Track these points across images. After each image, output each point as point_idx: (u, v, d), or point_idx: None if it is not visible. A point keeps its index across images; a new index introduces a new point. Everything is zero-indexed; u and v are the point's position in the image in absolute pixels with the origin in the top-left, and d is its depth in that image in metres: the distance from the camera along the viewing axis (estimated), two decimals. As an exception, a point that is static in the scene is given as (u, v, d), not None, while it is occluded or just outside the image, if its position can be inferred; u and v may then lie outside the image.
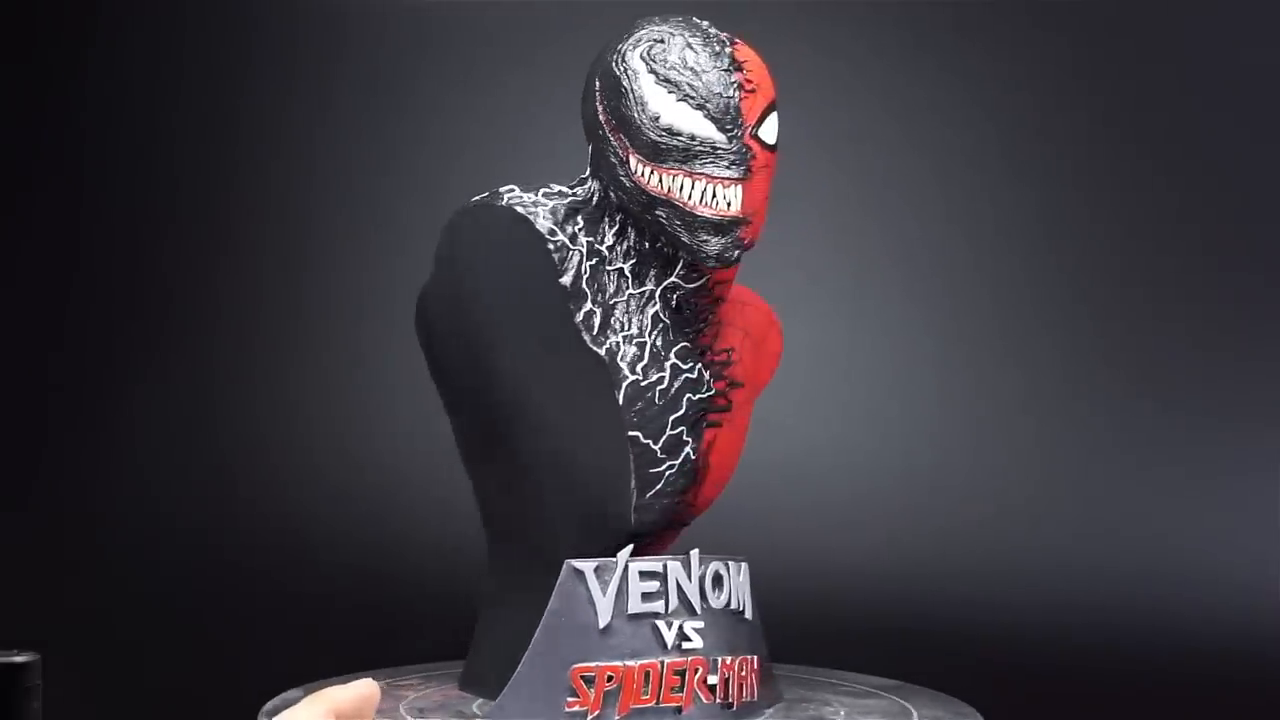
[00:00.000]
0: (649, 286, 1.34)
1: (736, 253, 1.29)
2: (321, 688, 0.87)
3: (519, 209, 1.34)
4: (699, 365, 1.35)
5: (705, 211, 1.28)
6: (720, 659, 1.30)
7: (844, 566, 2.25)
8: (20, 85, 2.70)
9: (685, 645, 1.29)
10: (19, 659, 1.03)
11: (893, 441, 2.36)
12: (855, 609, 2.19)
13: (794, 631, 1.50)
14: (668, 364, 1.34)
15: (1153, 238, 2.37)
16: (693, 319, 1.35)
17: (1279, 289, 2.34)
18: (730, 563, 1.33)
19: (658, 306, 1.34)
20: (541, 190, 1.36)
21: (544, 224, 1.33)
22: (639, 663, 1.27)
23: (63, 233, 2.68)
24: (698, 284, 1.33)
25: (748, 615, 1.33)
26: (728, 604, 1.32)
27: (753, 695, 1.32)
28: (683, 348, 1.35)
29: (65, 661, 1.32)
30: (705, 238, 1.28)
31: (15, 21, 2.70)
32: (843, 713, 1.39)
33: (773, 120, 1.29)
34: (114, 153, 2.68)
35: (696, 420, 1.35)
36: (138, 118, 2.69)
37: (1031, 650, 2.12)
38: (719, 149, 1.27)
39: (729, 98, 1.27)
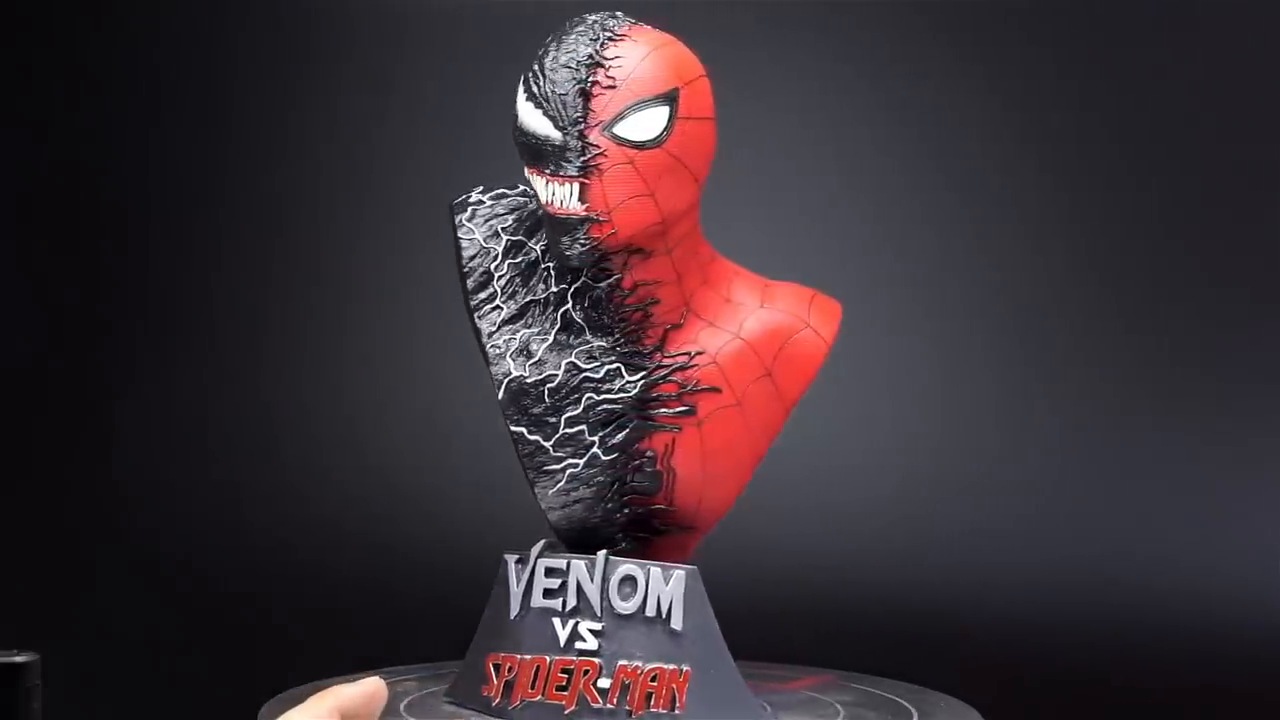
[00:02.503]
0: (563, 286, 1.36)
1: (578, 250, 1.29)
2: (326, 686, 0.87)
3: (458, 210, 1.41)
4: (616, 365, 1.35)
5: (551, 210, 1.29)
6: (620, 664, 1.30)
7: (842, 566, 2.25)
8: (21, 83, 2.69)
9: (578, 645, 1.31)
10: (19, 659, 1.03)
11: (891, 441, 2.36)
12: (854, 609, 2.19)
13: (793, 631, 1.50)
14: (564, 362, 1.35)
15: (1151, 237, 2.36)
16: (614, 320, 1.35)
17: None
18: (656, 569, 1.32)
19: (569, 305, 1.35)
20: (495, 192, 1.41)
21: (467, 224, 1.39)
22: (531, 657, 1.32)
23: (66, 231, 2.68)
24: (606, 283, 1.34)
25: (675, 625, 1.31)
26: (642, 610, 1.31)
27: (670, 707, 1.30)
28: (595, 348, 1.35)
29: (65, 661, 1.32)
30: (555, 236, 1.30)
31: (16, 20, 2.69)
32: (842, 712, 1.39)
33: (644, 116, 1.28)
34: (118, 149, 2.68)
35: (608, 421, 1.35)
36: (143, 114, 2.68)
37: (1031, 650, 2.11)
38: (555, 146, 1.28)
39: (563, 94, 1.27)
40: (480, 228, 1.39)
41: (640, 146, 1.28)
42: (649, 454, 1.36)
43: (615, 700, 1.30)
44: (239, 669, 1.90)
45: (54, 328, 2.64)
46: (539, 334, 1.36)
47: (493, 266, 1.38)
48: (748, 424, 1.37)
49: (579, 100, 1.27)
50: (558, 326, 1.36)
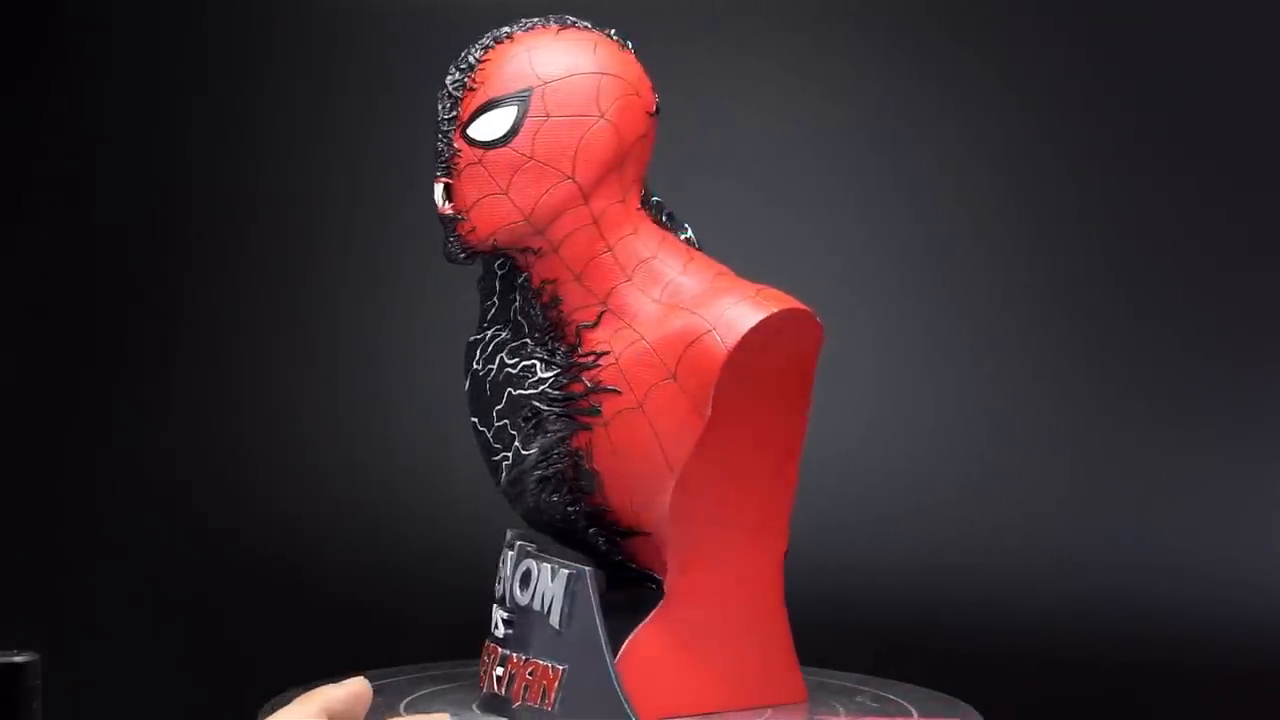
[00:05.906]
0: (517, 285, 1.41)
1: (449, 248, 1.35)
2: (316, 687, 0.87)
3: None
4: (532, 363, 1.37)
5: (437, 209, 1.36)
6: (511, 654, 1.37)
7: (842, 565, 2.25)
8: (21, 81, 2.70)
9: (495, 632, 1.39)
10: (19, 659, 1.03)
11: (890, 440, 2.35)
12: (854, 608, 2.19)
13: (793, 631, 1.50)
14: (498, 358, 1.39)
15: (1150, 236, 2.36)
16: (539, 318, 1.38)
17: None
18: (549, 565, 1.35)
19: (517, 303, 1.40)
20: None
21: None
22: (483, 639, 1.41)
23: (67, 231, 2.68)
24: (519, 282, 1.38)
25: (553, 622, 1.34)
26: (533, 604, 1.36)
27: (539, 703, 1.34)
28: (518, 345, 1.39)
29: (65, 661, 1.33)
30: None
31: (17, 19, 2.70)
32: (842, 713, 1.39)
33: (492, 116, 1.33)
34: (119, 149, 2.69)
35: (530, 416, 1.36)
36: (145, 114, 2.69)
37: (1031, 650, 2.11)
38: (434, 149, 1.35)
39: (438, 98, 1.35)
40: None
41: (487, 146, 1.32)
42: (580, 453, 1.36)
43: (504, 688, 1.36)
44: (238, 669, 1.90)
45: (51, 327, 2.65)
46: (500, 331, 1.40)
47: (496, 265, 1.42)
48: (654, 428, 1.34)
49: (446, 104, 1.34)
50: (508, 323, 1.40)
